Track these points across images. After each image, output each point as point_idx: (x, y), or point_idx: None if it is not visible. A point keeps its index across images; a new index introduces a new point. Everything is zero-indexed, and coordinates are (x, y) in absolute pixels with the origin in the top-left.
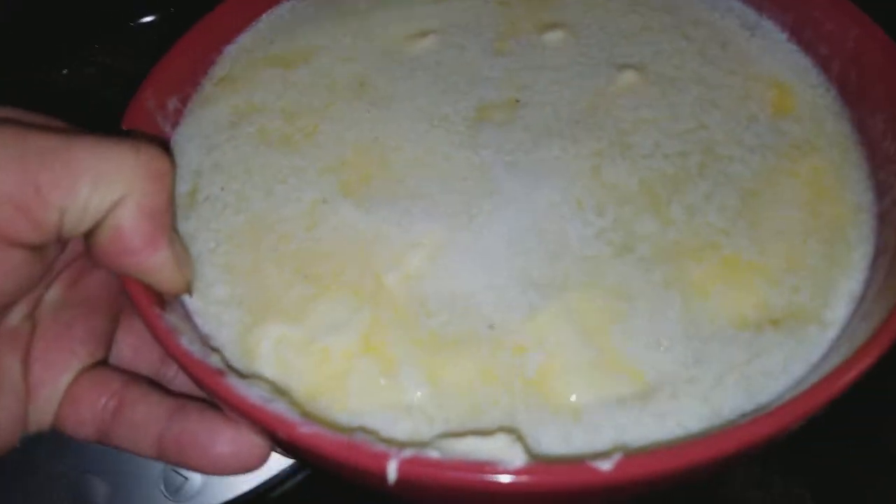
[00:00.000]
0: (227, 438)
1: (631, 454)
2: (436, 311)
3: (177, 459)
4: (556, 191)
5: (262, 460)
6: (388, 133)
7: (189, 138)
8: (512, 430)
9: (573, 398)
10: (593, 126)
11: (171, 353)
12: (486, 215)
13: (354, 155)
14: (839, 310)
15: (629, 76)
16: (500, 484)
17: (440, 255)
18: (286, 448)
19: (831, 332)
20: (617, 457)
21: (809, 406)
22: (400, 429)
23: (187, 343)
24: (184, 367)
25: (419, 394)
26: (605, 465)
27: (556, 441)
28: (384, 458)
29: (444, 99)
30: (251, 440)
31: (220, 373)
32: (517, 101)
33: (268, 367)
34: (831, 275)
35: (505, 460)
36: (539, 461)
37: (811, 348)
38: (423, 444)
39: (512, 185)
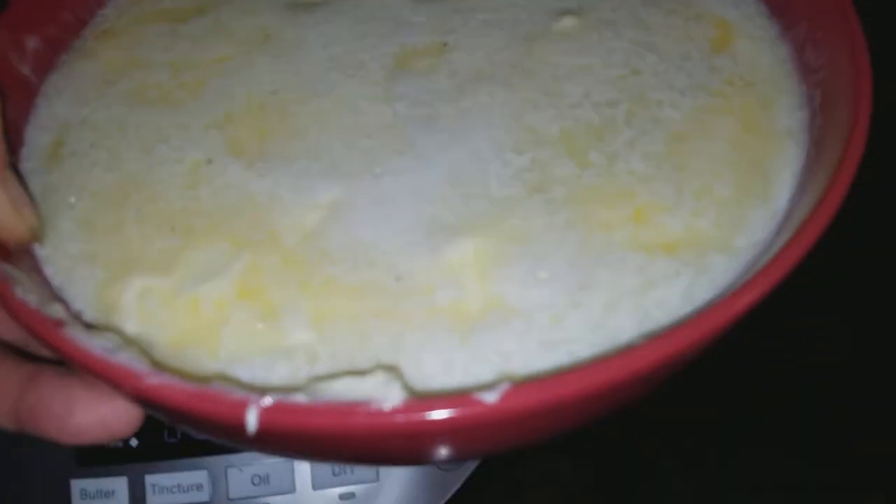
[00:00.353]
0: (86, 406)
1: (518, 383)
2: (340, 259)
3: (36, 432)
4: (480, 139)
5: (132, 426)
6: (291, 85)
7: (60, 91)
8: (391, 367)
9: (464, 332)
10: (526, 72)
11: (3, 303)
12: (393, 175)
13: (248, 110)
14: (756, 235)
15: (567, 21)
16: (377, 424)
17: (341, 214)
18: (140, 404)
19: (745, 258)
20: (503, 387)
21: (707, 328)
22: (277, 372)
23: (22, 292)
24: (17, 319)
25: (303, 335)
26: (490, 397)
27: (439, 373)
28: (242, 406)
29: (360, 45)
30: (115, 405)
31: (58, 323)
32: (444, 44)
33: (129, 321)
34: (745, 203)
35: (381, 399)
36: (419, 397)
37: (717, 275)
38: (290, 389)
39: (427, 141)
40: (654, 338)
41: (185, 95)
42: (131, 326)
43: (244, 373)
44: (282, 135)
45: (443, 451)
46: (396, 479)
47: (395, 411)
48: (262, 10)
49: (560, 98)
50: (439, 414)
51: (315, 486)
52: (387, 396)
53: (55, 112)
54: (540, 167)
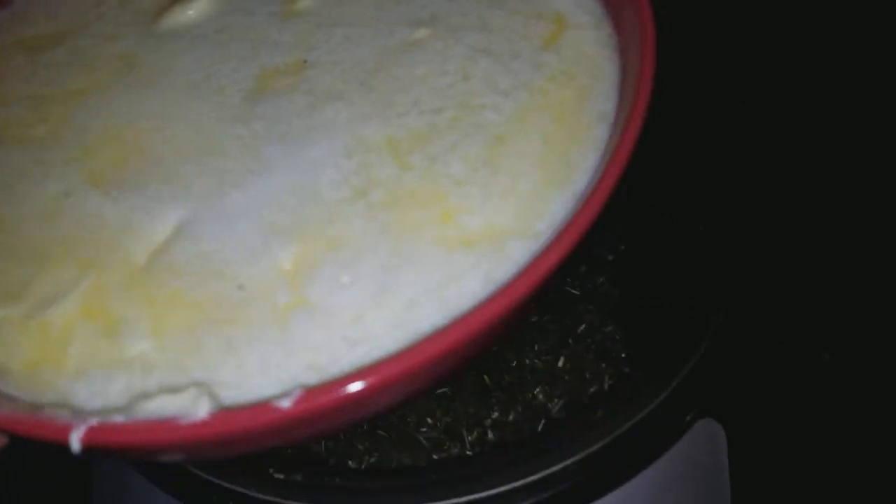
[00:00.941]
0: None
1: (310, 389)
2: (186, 273)
3: None
4: (320, 150)
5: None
6: (148, 114)
7: None
8: (201, 384)
9: (283, 333)
10: (373, 88)
11: None
12: (241, 190)
13: (105, 141)
14: (556, 218)
15: (420, 32)
16: (182, 437)
17: (189, 230)
18: None
19: (545, 239)
20: (296, 393)
21: (489, 313)
22: (115, 385)
23: None
24: None
25: (141, 346)
26: (285, 403)
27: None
28: (66, 430)
29: (221, 70)
30: None
31: None
32: (305, 62)
33: None
34: (546, 193)
35: (190, 414)
36: (223, 409)
37: (517, 258)
38: (111, 411)
39: (279, 156)
40: (428, 337)
41: (45, 130)
42: None
43: (86, 387)
44: (137, 163)
45: (251, 448)
46: None
47: (198, 424)
48: (124, 36)
49: (391, 109)
50: (239, 423)
51: None
52: (195, 411)
53: None
54: (365, 170)
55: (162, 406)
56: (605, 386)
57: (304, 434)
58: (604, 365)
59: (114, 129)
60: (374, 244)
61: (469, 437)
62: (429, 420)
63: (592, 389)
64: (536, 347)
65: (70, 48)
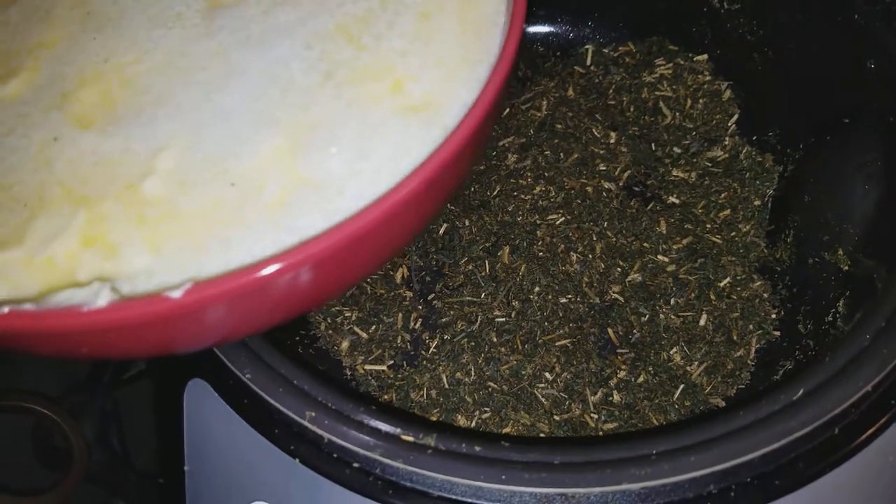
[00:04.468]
0: None
1: (201, 281)
2: (192, 185)
3: None
4: (284, 48)
5: None
6: (121, 51)
7: None
8: (107, 278)
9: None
10: None
11: None
12: (226, 92)
13: (84, 84)
14: (478, 87)
15: None
16: (86, 322)
17: (191, 144)
18: None
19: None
20: (187, 285)
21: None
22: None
23: None
24: None
25: (142, 261)
26: (175, 294)
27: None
28: None
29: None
30: None
31: None
32: None
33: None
34: (467, 66)
35: (91, 303)
36: (123, 299)
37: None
38: (23, 300)
39: (248, 57)
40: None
41: (19, 85)
42: (2, 293)
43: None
44: (126, 96)
45: (152, 344)
46: None
47: (98, 311)
48: None
49: (330, 2)
50: (132, 311)
51: None
52: (95, 301)
53: None
54: (327, 56)
55: (68, 297)
56: (752, 351)
57: (210, 328)
58: (751, 326)
59: (91, 71)
60: (346, 118)
61: (592, 398)
62: (547, 375)
63: (737, 354)
64: (672, 301)
65: (21, 6)
